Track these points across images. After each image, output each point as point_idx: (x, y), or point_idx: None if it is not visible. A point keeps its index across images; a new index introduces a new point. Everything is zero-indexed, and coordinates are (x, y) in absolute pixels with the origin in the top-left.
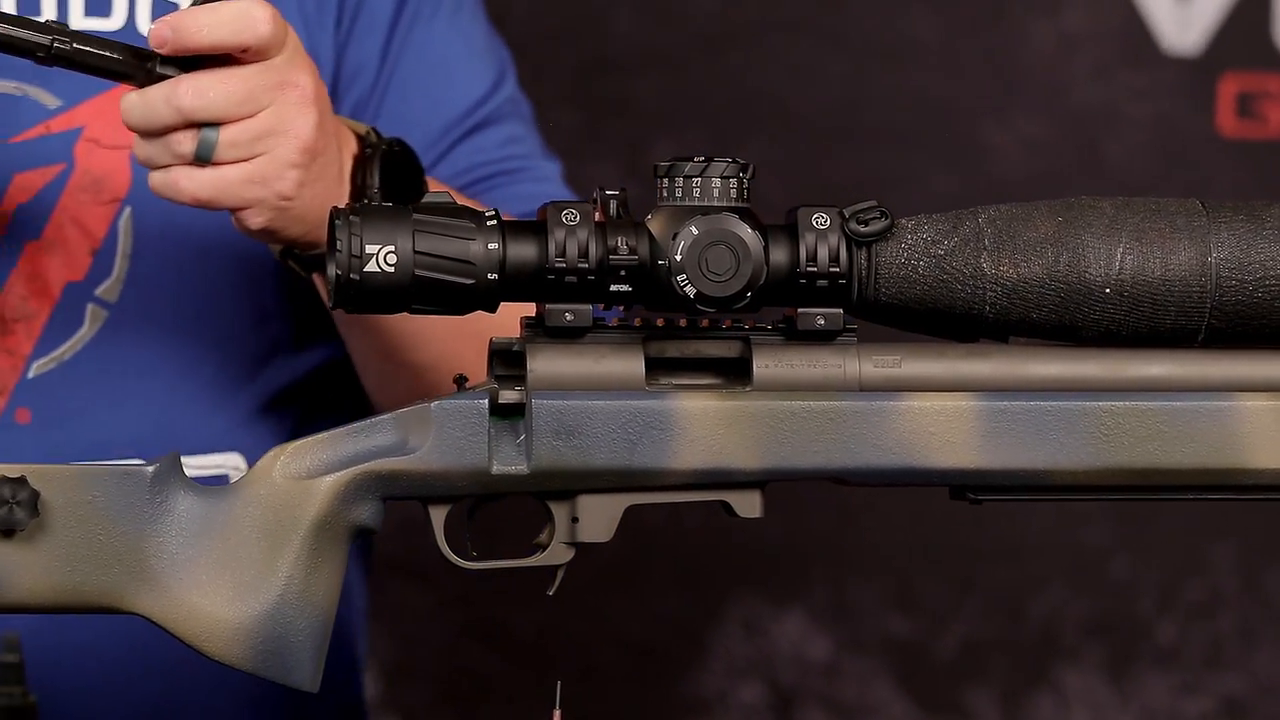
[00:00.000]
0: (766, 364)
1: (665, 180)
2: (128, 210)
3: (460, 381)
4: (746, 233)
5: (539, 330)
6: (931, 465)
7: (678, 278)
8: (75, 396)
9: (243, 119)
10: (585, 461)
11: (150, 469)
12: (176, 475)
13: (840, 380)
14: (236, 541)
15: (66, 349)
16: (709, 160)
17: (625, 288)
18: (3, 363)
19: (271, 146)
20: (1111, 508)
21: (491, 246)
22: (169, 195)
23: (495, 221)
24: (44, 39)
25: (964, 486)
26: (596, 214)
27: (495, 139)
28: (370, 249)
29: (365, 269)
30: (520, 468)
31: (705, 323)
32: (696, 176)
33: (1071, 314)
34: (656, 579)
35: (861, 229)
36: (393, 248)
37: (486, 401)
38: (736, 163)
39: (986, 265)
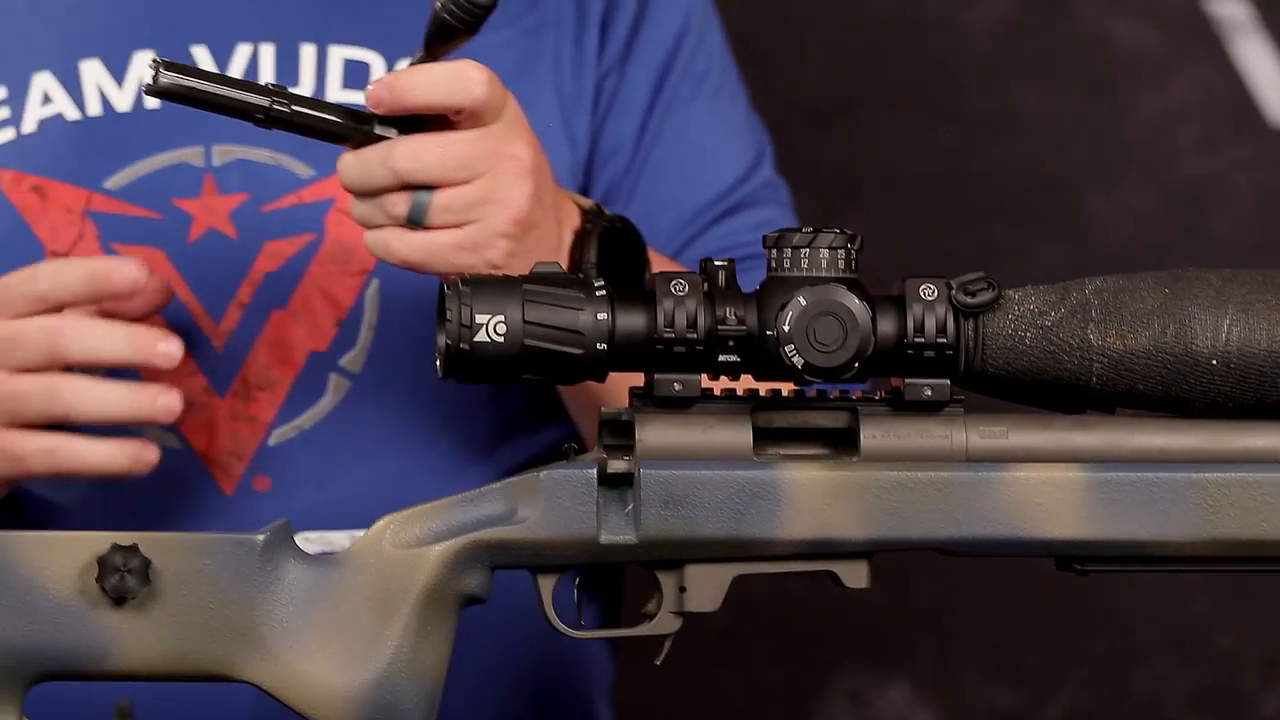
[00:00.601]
0: (874, 434)
1: (773, 251)
2: (375, 282)
3: (569, 451)
4: (854, 303)
5: (647, 400)
6: (1038, 536)
7: (786, 348)
8: (313, 465)
9: (457, 184)
10: (693, 531)
11: (261, 537)
12: (287, 544)
13: (947, 451)
14: (346, 610)
15: (307, 418)
16: (816, 231)
17: (733, 358)
18: (244, 429)
19: (484, 214)
20: (1217, 580)
21: (601, 316)
22: (381, 255)
23: (604, 291)
24: (263, 101)
25: (1070, 557)
26: (705, 284)
27: (749, 222)
28: (480, 319)
29: (475, 339)
30: (628, 537)
31: (813, 393)
32: (805, 247)
33: (1178, 385)
34: (762, 649)
35: (969, 300)
36: (502, 318)
37: (595, 471)
38: (844, 234)
39: (1093, 336)
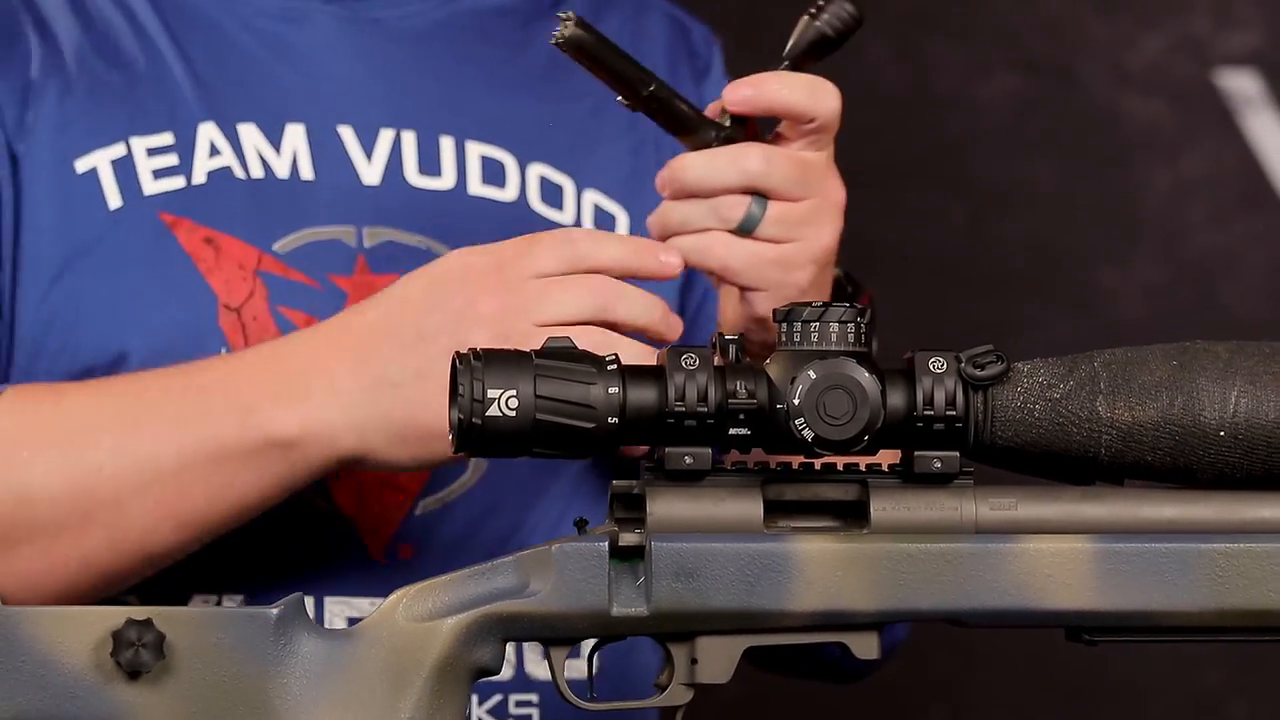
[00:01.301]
0: (884, 507)
1: (784, 325)
2: None
3: (581, 524)
4: (864, 377)
5: (658, 473)
6: (1048, 607)
7: (796, 421)
8: (455, 535)
9: (793, 200)
10: (704, 603)
11: (274, 611)
12: (300, 617)
13: (957, 523)
14: (360, 683)
15: (451, 490)
16: (826, 305)
17: (744, 431)
18: (391, 499)
19: (806, 235)
20: (1229, 650)
21: (612, 391)
22: (697, 259)
23: (615, 366)
24: (649, 79)
25: (1080, 628)
26: (715, 358)
27: None
28: (492, 393)
29: (487, 413)
30: (640, 610)
31: (822, 465)
32: (814, 321)
33: (1186, 457)
34: (776, 719)
35: (978, 373)
36: (514, 392)
37: (606, 544)
38: (854, 308)
39: (1102, 409)
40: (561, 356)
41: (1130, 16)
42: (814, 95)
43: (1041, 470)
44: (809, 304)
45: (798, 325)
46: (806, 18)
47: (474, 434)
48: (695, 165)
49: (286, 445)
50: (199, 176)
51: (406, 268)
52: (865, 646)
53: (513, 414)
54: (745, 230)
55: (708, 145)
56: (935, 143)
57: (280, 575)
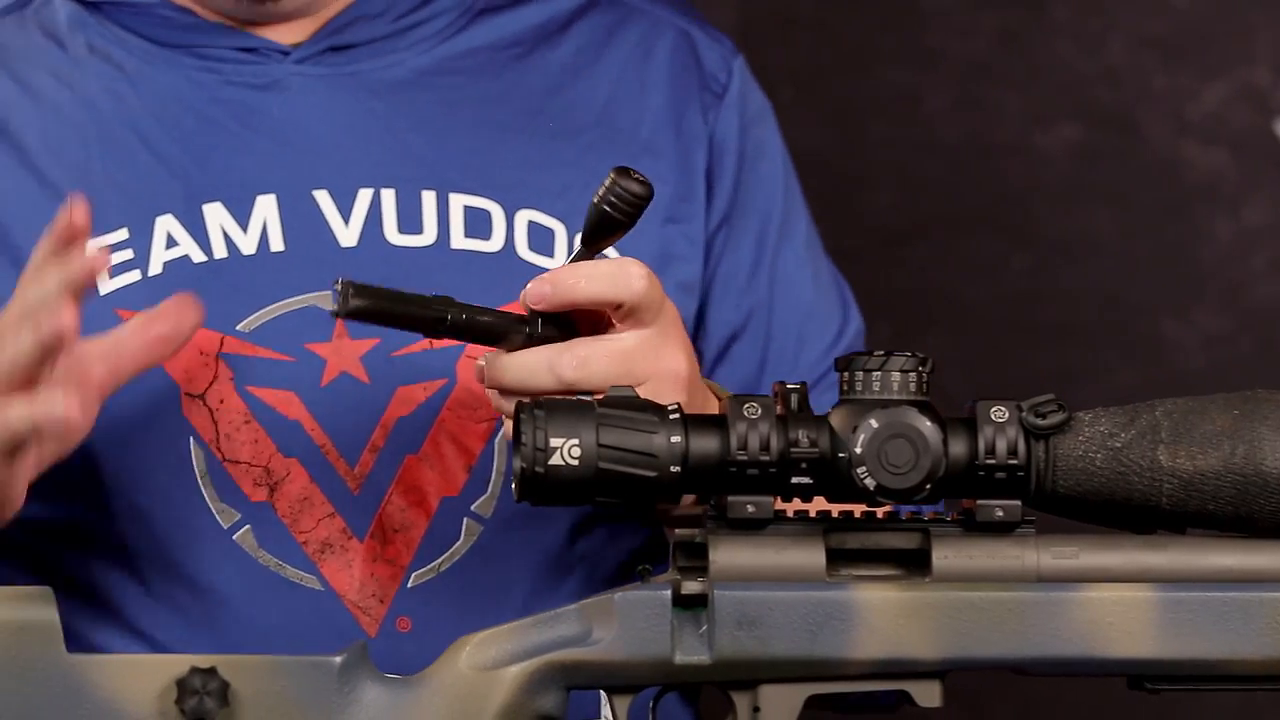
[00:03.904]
0: (946, 555)
1: (845, 374)
2: (504, 429)
3: (644, 572)
4: (926, 426)
5: (720, 521)
6: (1109, 655)
7: (858, 470)
8: (451, 606)
9: None
10: (767, 651)
11: (338, 659)
12: (364, 665)
13: (1019, 571)
14: None
15: (444, 560)
16: (888, 355)
17: (806, 480)
18: (383, 571)
19: None
20: None
21: (674, 440)
22: None
23: (678, 415)
24: (442, 314)
25: (1142, 676)
26: (777, 407)
27: None
28: (555, 442)
29: (550, 462)
30: (703, 658)
31: (884, 514)
32: (876, 370)
33: (1248, 505)
34: None
35: (1039, 422)
36: (576, 441)
37: (669, 593)
38: (916, 357)
39: (1163, 458)
40: (624, 405)
41: (1192, 67)
42: (615, 282)
43: (1103, 519)
44: (870, 353)
45: (859, 374)
46: (594, 199)
47: (537, 483)
48: (510, 368)
49: None
50: (155, 268)
51: (384, 331)
52: (927, 694)
53: (575, 463)
54: None
55: (524, 345)
56: (996, 192)
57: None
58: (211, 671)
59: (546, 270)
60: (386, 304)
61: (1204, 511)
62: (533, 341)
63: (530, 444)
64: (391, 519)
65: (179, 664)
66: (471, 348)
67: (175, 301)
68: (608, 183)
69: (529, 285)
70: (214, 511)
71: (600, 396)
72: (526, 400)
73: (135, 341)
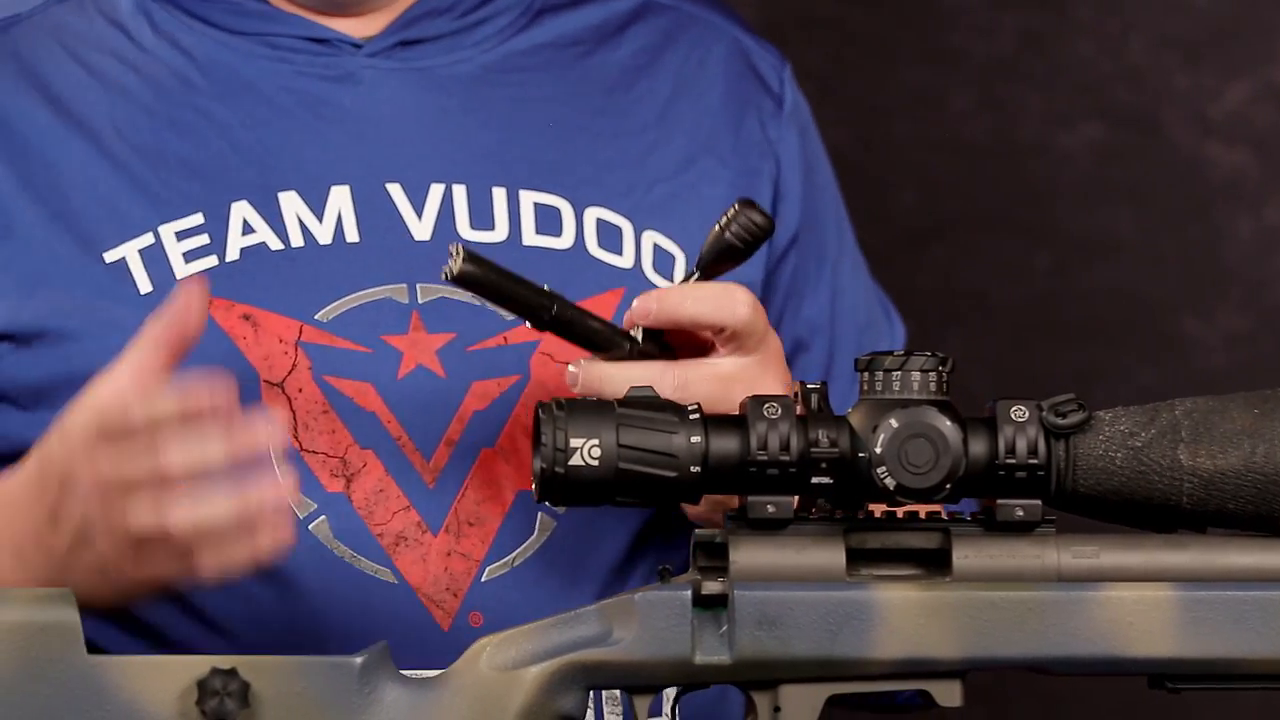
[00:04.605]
0: (966, 555)
1: (865, 374)
2: None
3: (665, 573)
4: (946, 425)
5: (741, 522)
6: (1130, 655)
7: (878, 470)
8: (525, 601)
9: None
10: (787, 651)
11: (359, 660)
12: (384, 666)
13: (1039, 571)
14: None
15: (517, 555)
16: (908, 354)
17: (826, 480)
18: (458, 565)
19: None
20: None
21: (694, 440)
22: None
23: (698, 415)
24: (548, 304)
25: (1163, 675)
26: (797, 407)
27: None
28: (575, 443)
29: (570, 462)
30: (723, 658)
31: (904, 514)
32: (896, 370)
33: (1269, 504)
34: None
35: (1059, 421)
36: (596, 441)
37: (690, 593)
38: (935, 356)
39: (1184, 457)
40: (644, 405)
41: (1213, 66)
42: (719, 305)
43: (1123, 518)
44: (890, 353)
45: (879, 374)
46: (717, 228)
47: (557, 483)
48: (610, 378)
49: None
50: (233, 253)
51: (460, 325)
52: (948, 694)
53: (595, 463)
54: None
55: (623, 359)
56: (1018, 192)
57: (347, 650)
58: (232, 673)
59: (616, 268)
60: (496, 277)
61: (1224, 510)
62: (631, 356)
63: (551, 444)
64: (467, 512)
65: (200, 665)
66: (545, 345)
67: (184, 286)
68: (731, 213)
69: (635, 301)
70: (291, 501)
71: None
72: (549, 400)
73: (146, 353)
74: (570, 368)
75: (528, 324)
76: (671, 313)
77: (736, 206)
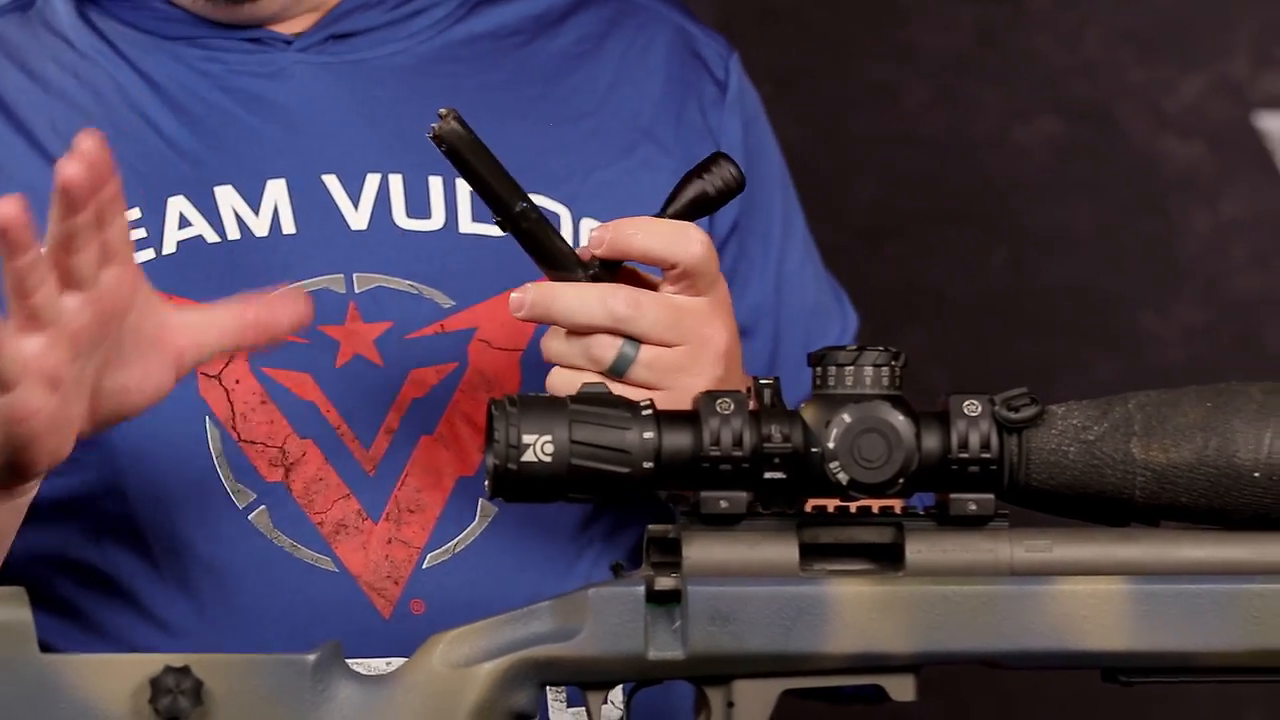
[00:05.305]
0: (919, 549)
1: (818, 369)
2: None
3: (617, 569)
4: (898, 420)
5: (694, 517)
6: (1083, 648)
7: (831, 465)
8: (466, 588)
9: (664, 345)
10: (740, 647)
11: (312, 657)
12: (337, 663)
13: (992, 565)
14: None
15: (459, 541)
16: (861, 349)
17: (779, 475)
18: (398, 553)
19: (678, 382)
20: (1272, 691)
21: (647, 435)
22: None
23: (650, 410)
24: (523, 199)
25: (1116, 669)
26: (750, 402)
27: None
28: (527, 439)
29: (523, 459)
30: (676, 653)
31: (857, 508)
32: (849, 365)
33: (1221, 498)
34: None
35: (1012, 416)
36: (549, 438)
37: (643, 589)
38: (888, 351)
39: (1136, 450)
40: (597, 401)
41: (1169, 60)
42: (673, 241)
43: (1076, 512)
44: (843, 347)
45: (832, 369)
46: (692, 176)
47: (510, 479)
48: (564, 296)
49: None
50: (169, 246)
51: (396, 314)
52: (902, 689)
53: (548, 459)
54: (616, 373)
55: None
56: (975, 186)
57: (290, 640)
58: (185, 670)
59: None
60: (478, 151)
61: (1177, 504)
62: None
63: (504, 440)
64: (407, 500)
65: (152, 663)
66: (483, 331)
67: (287, 293)
68: (708, 162)
69: (592, 231)
70: (229, 492)
71: (575, 392)
72: (501, 397)
73: (227, 319)
74: (515, 293)
75: (494, 217)
76: (625, 243)
77: (714, 156)
